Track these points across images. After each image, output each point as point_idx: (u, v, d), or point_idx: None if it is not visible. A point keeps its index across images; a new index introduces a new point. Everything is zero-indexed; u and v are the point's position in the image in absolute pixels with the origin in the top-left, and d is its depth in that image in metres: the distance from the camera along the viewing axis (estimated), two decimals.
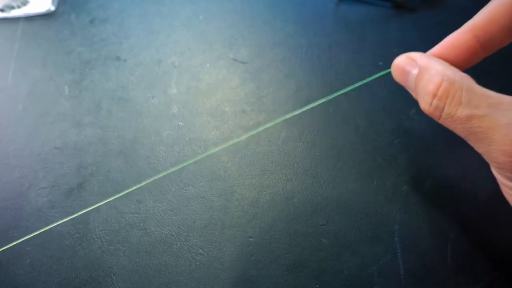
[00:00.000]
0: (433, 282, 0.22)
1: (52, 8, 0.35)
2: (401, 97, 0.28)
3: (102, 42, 0.33)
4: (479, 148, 0.17)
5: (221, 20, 0.35)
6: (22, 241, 0.24)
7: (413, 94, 0.20)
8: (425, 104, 0.18)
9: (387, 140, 0.27)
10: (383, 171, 0.26)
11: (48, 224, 0.24)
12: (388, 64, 0.20)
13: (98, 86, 0.31)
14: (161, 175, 0.25)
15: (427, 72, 0.18)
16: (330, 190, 0.26)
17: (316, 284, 0.22)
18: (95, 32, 0.34)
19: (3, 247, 0.24)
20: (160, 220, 0.25)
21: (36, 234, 0.24)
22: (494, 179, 0.19)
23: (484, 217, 0.24)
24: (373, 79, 0.21)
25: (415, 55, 0.19)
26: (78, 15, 0.35)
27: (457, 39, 0.19)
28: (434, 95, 0.17)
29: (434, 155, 0.26)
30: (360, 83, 0.22)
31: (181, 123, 0.29)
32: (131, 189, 0.24)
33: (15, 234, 0.24)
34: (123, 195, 0.25)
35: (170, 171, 0.26)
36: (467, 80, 0.17)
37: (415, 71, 0.19)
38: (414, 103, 0.29)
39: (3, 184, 0.26)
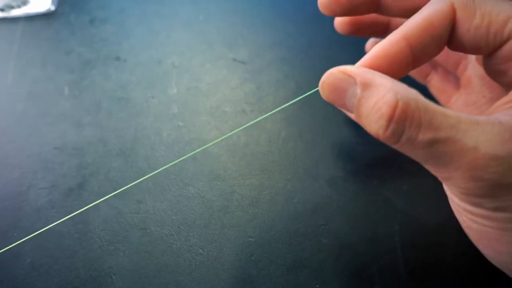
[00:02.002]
0: (433, 283, 0.22)
1: (52, 8, 0.35)
2: None
3: (102, 42, 0.33)
4: (441, 173, 0.16)
5: (221, 20, 0.35)
6: (21, 241, 0.24)
7: (353, 116, 0.17)
8: (378, 128, 0.15)
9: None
10: (384, 170, 0.26)
11: (48, 224, 0.24)
12: None
13: (98, 86, 0.31)
14: (157, 171, 0.25)
15: (374, 90, 0.15)
16: (330, 190, 0.25)
17: (316, 284, 0.22)
18: (95, 32, 0.34)
19: (2, 247, 0.24)
20: (160, 220, 0.25)
21: (35, 234, 0.24)
22: None
23: None
24: None
25: (351, 69, 0.16)
26: (78, 15, 0.35)
27: (391, 48, 0.16)
28: (391, 118, 0.15)
29: None
30: None
31: (181, 123, 0.29)
32: (128, 186, 0.24)
33: (15, 234, 0.24)
34: (120, 192, 0.25)
35: (169, 165, 0.26)
36: (421, 98, 0.15)
37: (354, 89, 0.16)
38: None
39: (3, 184, 0.26)
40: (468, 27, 0.16)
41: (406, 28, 0.16)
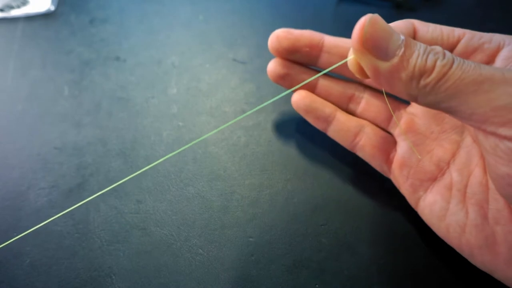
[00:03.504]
0: (433, 283, 0.22)
1: (52, 8, 0.35)
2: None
3: (102, 42, 0.33)
4: (482, 108, 0.16)
5: (221, 20, 0.35)
6: (21, 241, 0.24)
7: (395, 60, 0.17)
8: (434, 60, 0.16)
9: None
10: None
11: (47, 224, 0.24)
12: None
13: (98, 86, 0.31)
14: (153, 164, 0.25)
15: (417, 41, 0.17)
16: (330, 190, 0.26)
17: (316, 284, 0.22)
18: (94, 32, 0.34)
19: (2, 247, 0.24)
20: (160, 220, 0.25)
21: (35, 234, 0.24)
22: None
23: None
24: None
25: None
26: (78, 15, 0.35)
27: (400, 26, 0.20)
28: (444, 53, 0.17)
29: None
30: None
31: (181, 123, 0.29)
32: (122, 182, 0.24)
33: (15, 234, 0.24)
34: (120, 192, 0.25)
35: (165, 157, 0.26)
36: None
37: (398, 36, 0.17)
38: None
39: (3, 184, 0.26)
40: (426, 29, 0.20)
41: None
